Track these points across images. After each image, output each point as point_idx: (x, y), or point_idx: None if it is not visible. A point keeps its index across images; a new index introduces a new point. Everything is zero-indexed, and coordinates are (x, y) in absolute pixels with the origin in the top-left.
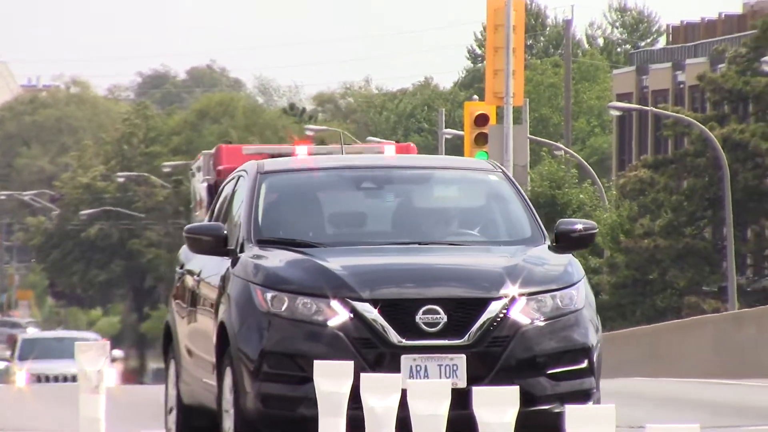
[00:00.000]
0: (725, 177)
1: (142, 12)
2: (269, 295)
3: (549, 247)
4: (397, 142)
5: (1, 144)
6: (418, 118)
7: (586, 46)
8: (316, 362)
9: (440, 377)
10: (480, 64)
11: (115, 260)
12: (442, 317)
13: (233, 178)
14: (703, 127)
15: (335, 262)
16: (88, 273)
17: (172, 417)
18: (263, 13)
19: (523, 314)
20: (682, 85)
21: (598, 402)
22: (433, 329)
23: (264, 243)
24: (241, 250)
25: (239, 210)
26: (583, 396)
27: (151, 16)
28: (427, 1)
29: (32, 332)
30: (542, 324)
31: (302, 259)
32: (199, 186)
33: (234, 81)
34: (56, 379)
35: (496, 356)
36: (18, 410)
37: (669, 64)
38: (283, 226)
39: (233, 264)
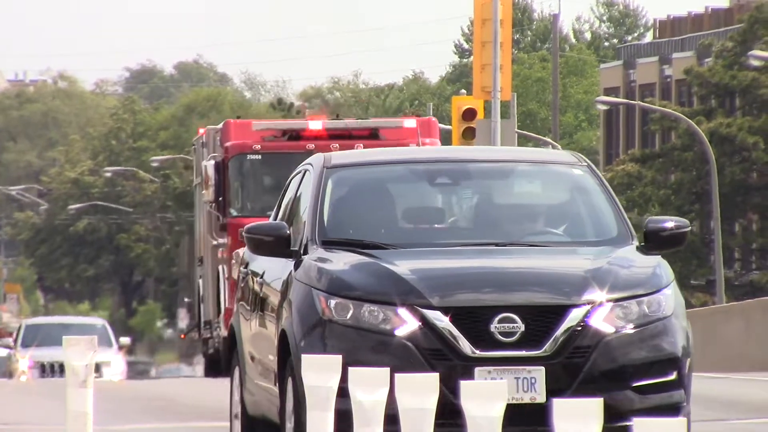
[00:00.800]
0: (712, 171)
1: (129, 6)
2: (333, 302)
3: (637, 248)
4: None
5: None
6: (405, 113)
7: (574, 40)
8: (303, 356)
9: (517, 391)
10: (467, 59)
11: (103, 255)
12: (519, 326)
13: (299, 172)
14: (690, 121)
15: (404, 266)
16: (76, 267)
17: (237, 427)
18: (250, 7)
19: (606, 322)
20: (669, 79)
21: (688, 416)
22: (509, 339)
23: (329, 244)
24: (305, 252)
25: (304, 208)
26: (672, 410)
27: (138, 11)
28: None
29: (35, 318)
30: (627, 333)
31: (368, 262)
32: (207, 164)
33: (221, 76)
34: (61, 367)
35: (577, 368)
36: (11, 404)
37: (656, 59)
38: (350, 226)
39: (296, 267)
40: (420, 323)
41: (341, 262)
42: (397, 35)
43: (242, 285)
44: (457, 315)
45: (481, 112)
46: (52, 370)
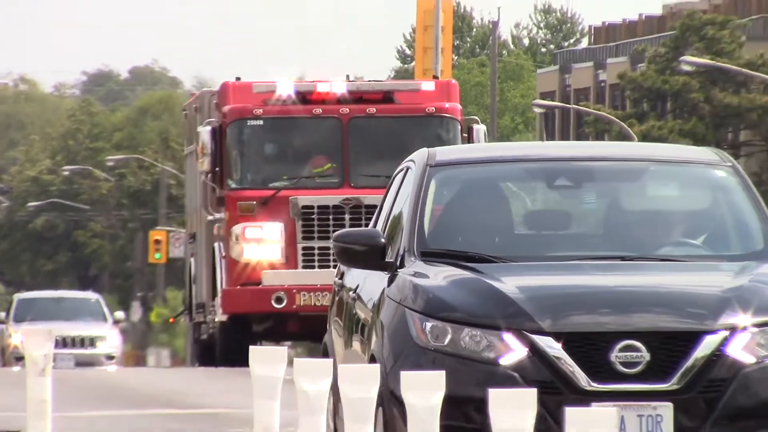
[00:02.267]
0: None
1: (87, 13)
2: (429, 324)
3: None
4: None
5: None
6: None
7: (512, 46)
8: (296, 361)
9: (641, 430)
10: (409, 64)
11: (60, 250)
12: (644, 355)
13: (402, 170)
14: (623, 124)
15: (511, 283)
16: (35, 262)
17: None
18: (202, 12)
19: (746, 351)
20: (603, 84)
21: None
22: (631, 370)
23: (430, 256)
24: (401, 265)
25: (404, 212)
26: None
27: (95, 17)
28: (357, 1)
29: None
30: None
31: (469, 278)
32: (202, 130)
33: (173, 79)
34: (58, 342)
35: (711, 404)
36: None
37: (591, 64)
38: (454, 235)
39: (389, 282)
40: (528, 351)
41: (439, 277)
42: (340, 40)
43: (337, 299)
44: (571, 341)
45: None
46: None
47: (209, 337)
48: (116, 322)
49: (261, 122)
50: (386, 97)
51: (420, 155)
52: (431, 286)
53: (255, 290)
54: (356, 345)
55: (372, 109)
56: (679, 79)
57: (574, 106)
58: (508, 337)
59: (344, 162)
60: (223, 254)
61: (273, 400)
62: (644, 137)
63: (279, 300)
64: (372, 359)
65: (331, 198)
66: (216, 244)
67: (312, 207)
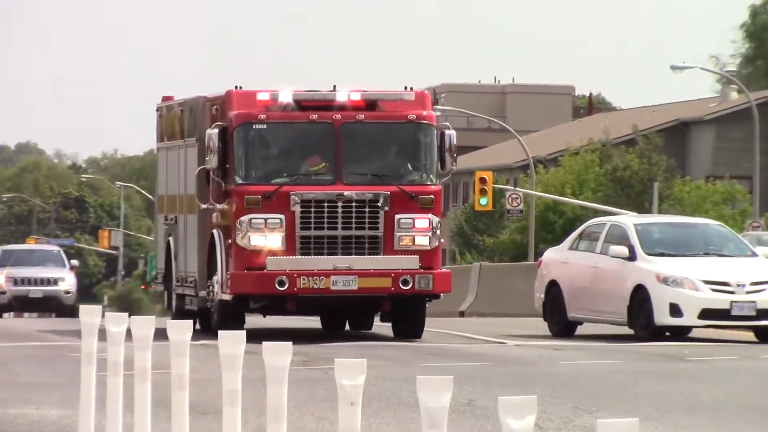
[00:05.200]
0: None
1: None
2: None
3: None
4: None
5: None
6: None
7: None
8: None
9: None
10: None
11: None
12: None
13: None
14: None
15: None
16: None
17: None
18: (63, 99)
19: None
20: None
21: None
22: None
23: None
24: None
25: None
26: None
27: None
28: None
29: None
30: None
31: None
32: (211, 132)
33: (41, 150)
34: (30, 281)
35: None
36: None
37: None
38: None
39: None
40: None
41: None
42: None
43: None
44: None
45: None
46: (23, 282)
47: (201, 310)
48: (71, 267)
49: (264, 126)
50: (370, 105)
51: None
52: None
53: (260, 274)
54: None
55: (361, 116)
56: None
57: None
58: None
59: (336, 161)
60: (228, 241)
61: (236, 408)
62: None
63: (281, 283)
64: None
65: (326, 193)
66: (215, 231)
67: (309, 201)
